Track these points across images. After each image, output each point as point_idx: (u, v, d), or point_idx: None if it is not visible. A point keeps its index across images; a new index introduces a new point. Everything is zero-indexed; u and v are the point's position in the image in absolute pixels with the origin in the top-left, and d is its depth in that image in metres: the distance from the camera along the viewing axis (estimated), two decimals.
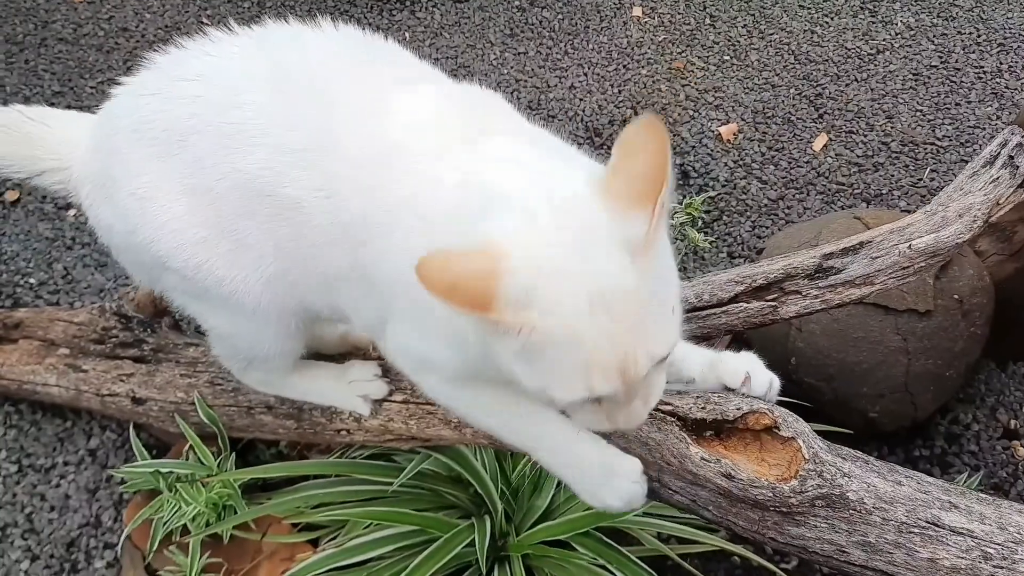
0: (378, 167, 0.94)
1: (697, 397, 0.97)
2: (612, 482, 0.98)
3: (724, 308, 1.17)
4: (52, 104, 2.38)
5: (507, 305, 0.73)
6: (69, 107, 2.33)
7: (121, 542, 1.57)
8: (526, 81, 2.52)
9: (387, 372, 1.32)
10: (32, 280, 2.04)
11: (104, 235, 1.22)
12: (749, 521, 0.94)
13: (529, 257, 0.75)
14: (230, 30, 1.11)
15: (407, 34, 2.64)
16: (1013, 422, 1.83)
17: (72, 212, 2.16)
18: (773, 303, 1.18)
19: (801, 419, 0.93)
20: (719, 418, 0.94)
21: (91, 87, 2.43)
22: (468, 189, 0.87)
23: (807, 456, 0.88)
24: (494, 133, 0.94)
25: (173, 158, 1.06)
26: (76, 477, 1.72)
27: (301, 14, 2.64)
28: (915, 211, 2.15)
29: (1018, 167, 1.15)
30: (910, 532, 0.87)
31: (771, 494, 0.88)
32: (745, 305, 1.18)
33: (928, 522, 0.87)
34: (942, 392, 1.71)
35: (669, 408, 0.98)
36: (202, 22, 2.62)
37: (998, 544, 0.84)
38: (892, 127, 2.43)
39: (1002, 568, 0.83)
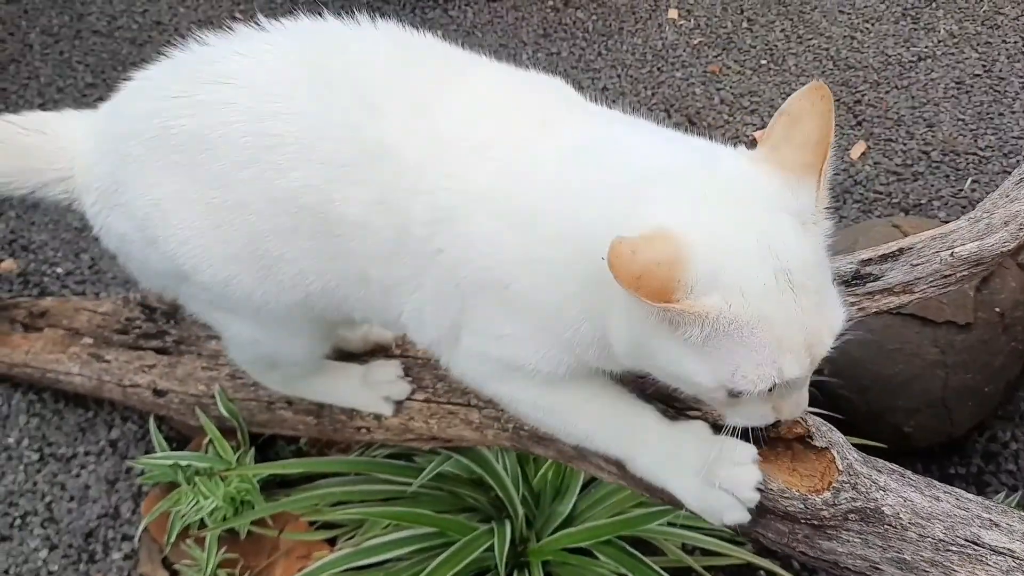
0: (444, 168, 0.88)
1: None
2: (726, 494, 0.89)
3: None
4: (84, 96, 2.41)
5: (691, 292, 0.70)
6: (100, 99, 2.34)
7: (138, 534, 1.57)
8: None
9: (408, 371, 1.30)
10: (59, 270, 2.04)
11: (113, 243, 1.15)
12: (778, 533, 0.90)
13: (708, 239, 0.72)
14: (259, 26, 1.03)
15: (440, 32, 2.61)
16: None
17: None
18: None
19: (835, 429, 0.89)
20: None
21: (123, 79, 2.44)
22: (592, 171, 0.82)
23: (841, 468, 0.85)
24: (587, 116, 0.90)
25: (200, 168, 0.98)
26: (96, 467, 1.71)
27: (335, 10, 2.65)
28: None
29: None
30: (948, 550, 0.82)
31: (802, 506, 0.84)
32: None
33: (967, 540, 0.83)
34: (980, 408, 1.66)
35: (698, 414, 0.95)
36: (235, 17, 2.63)
37: None
38: (933, 136, 2.37)
39: None
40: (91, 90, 2.41)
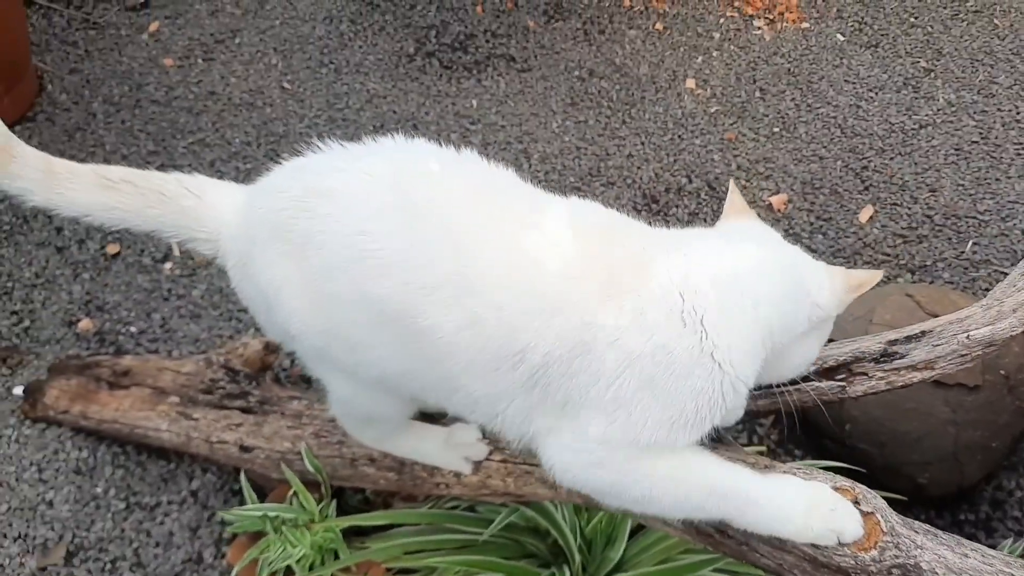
0: (549, 306, 1.03)
1: (785, 471, 1.11)
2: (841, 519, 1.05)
3: (797, 386, 1.30)
4: (148, 163, 2.57)
5: None
6: (163, 166, 2.51)
7: None
8: (586, 149, 2.68)
9: (485, 433, 1.46)
10: (133, 329, 2.20)
11: (245, 301, 1.32)
12: None
13: None
14: (361, 142, 1.21)
15: (474, 101, 2.81)
16: None
17: (168, 265, 2.32)
18: (842, 383, 1.31)
19: (878, 495, 1.06)
20: None
21: (183, 147, 2.62)
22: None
23: (885, 529, 1.01)
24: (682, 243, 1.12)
25: (305, 261, 1.13)
26: (179, 515, 1.86)
27: (375, 80, 2.82)
28: (957, 283, 2.29)
29: None
30: None
31: (853, 562, 1.01)
32: (816, 383, 1.31)
33: None
34: (988, 461, 1.83)
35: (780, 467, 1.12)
36: (284, 87, 2.81)
37: None
38: (935, 200, 2.56)
39: None
40: (153, 157, 2.58)
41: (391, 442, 1.47)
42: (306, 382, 1.88)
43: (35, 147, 1.29)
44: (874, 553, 1.00)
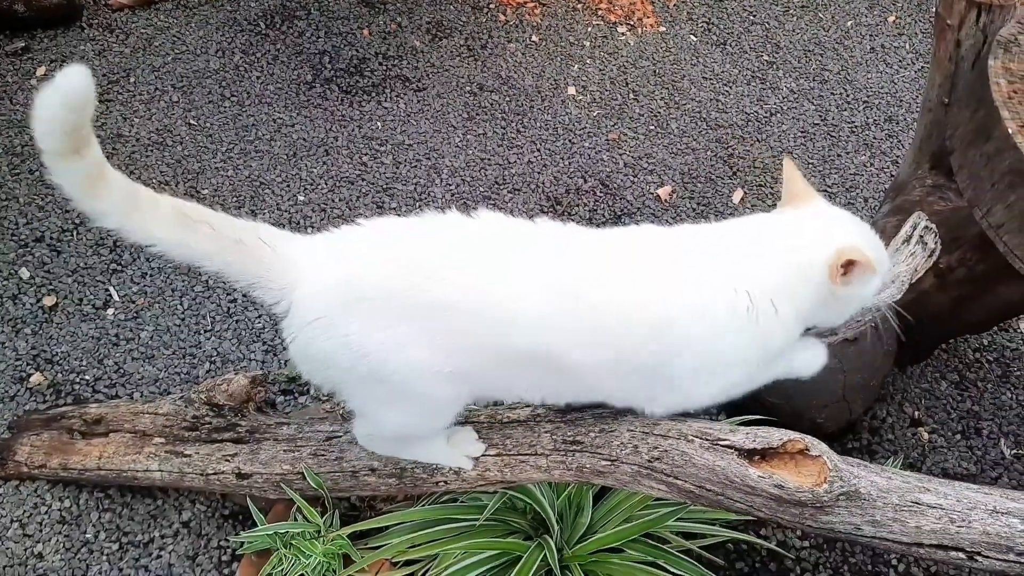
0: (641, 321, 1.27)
1: (747, 433, 1.40)
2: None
3: None
4: (66, 211, 2.59)
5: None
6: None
7: None
8: (489, 159, 2.91)
9: (478, 433, 1.68)
10: (87, 377, 2.25)
11: (307, 351, 1.35)
12: (792, 515, 1.36)
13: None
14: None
15: (379, 123, 2.98)
16: (916, 413, 2.37)
17: (111, 311, 2.38)
18: None
19: (823, 442, 1.37)
20: (766, 446, 1.36)
21: None
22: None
23: (831, 467, 1.32)
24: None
25: (434, 321, 1.27)
26: (175, 547, 1.97)
27: (280, 109, 2.93)
28: None
29: (927, 244, 1.64)
30: (902, 510, 1.31)
31: (811, 496, 1.30)
32: None
33: (913, 502, 1.31)
34: (868, 398, 2.22)
35: (727, 442, 1.40)
36: (190, 123, 2.87)
37: (958, 511, 1.29)
38: None
39: (963, 527, 1.28)
40: (71, 203, 2.58)
41: (407, 451, 1.67)
42: (272, 407, 2.04)
43: None
44: (826, 487, 1.30)
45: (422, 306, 1.27)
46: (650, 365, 1.31)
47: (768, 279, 1.28)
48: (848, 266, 1.24)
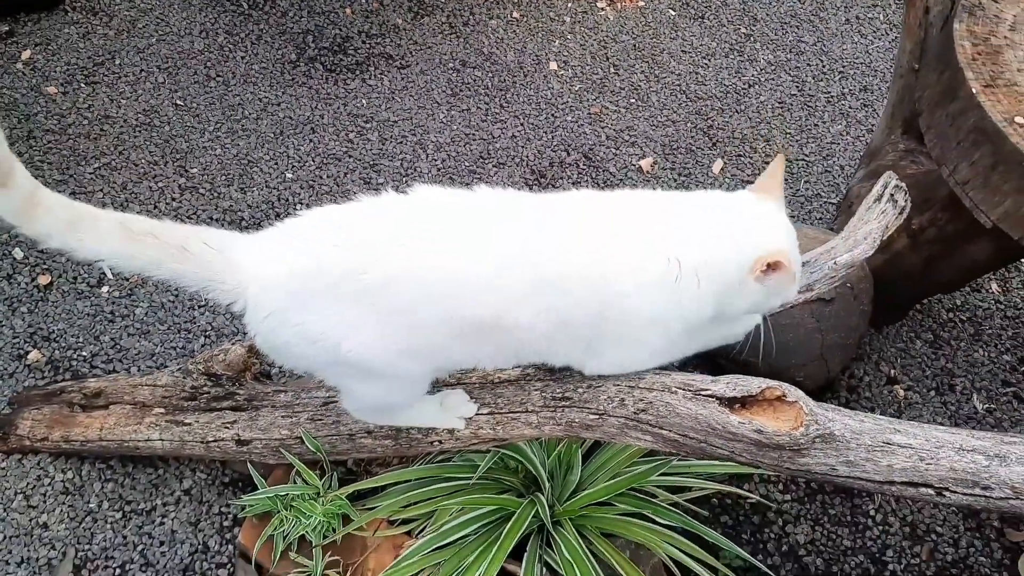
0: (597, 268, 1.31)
1: (727, 383, 1.47)
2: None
3: None
4: (57, 192, 2.62)
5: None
6: (73, 193, 2.57)
7: (254, 554, 1.91)
8: (474, 135, 2.96)
9: (471, 394, 1.74)
10: (84, 353, 2.30)
11: (273, 341, 1.39)
12: (771, 459, 1.43)
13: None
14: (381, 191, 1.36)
15: (364, 100, 3.02)
16: (892, 371, 2.45)
17: (105, 288, 2.42)
18: None
19: (799, 389, 1.44)
20: (744, 394, 1.43)
21: (90, 173, 2.68)
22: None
23: (807, 412, 1.39)
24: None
25: (382, 300, 1.30)
26: (177, 514, 2.03)
27: (265, 88, 2.96)
28: (797, 217, 2.75)
29: (897, 202, 1.71)
30: (875, 451, 1.39)
31: (789, 439, 1.38)
32: None
33: (884, 443, 1.39)
34: (845, 356, 2.30)
35: (708, 392, 1.47)
36: (176, 104, 2.91)
37: (927, 450, 1.37)
38: (769, 148, 3.03)
39: (931, 464, 1.36)
40: (62, 186, 2.62)
41: (400, 417, 1.72)
42: (268, 377, 2.09)
43: None
44: (802, 430, 1.38)
45: (367, 287, 1.29)
46: (587, 324, 1.37)
47: (699, 255, 1.33)
48: (773, 267, 1.30)
